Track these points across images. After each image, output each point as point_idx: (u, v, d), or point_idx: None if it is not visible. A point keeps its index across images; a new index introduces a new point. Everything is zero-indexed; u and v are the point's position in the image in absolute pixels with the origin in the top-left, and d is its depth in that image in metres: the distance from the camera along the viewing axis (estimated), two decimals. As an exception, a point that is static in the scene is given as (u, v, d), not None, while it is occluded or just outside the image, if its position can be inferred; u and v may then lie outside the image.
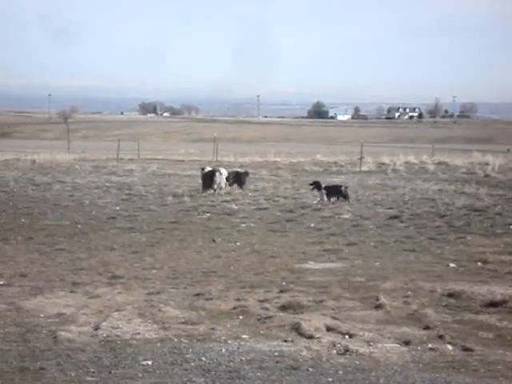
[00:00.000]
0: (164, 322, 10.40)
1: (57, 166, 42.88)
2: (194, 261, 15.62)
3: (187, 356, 8.92)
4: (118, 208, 24.59)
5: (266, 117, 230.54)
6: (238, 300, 11.71)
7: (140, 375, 8.25)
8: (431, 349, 9.16)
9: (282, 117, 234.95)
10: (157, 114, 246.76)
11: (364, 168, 42.76)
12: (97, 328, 10.05)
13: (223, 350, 9.12)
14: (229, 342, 9.51)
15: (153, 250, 16.82)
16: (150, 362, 8.65)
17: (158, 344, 9.39)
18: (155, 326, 10.23)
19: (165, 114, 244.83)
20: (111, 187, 31.19)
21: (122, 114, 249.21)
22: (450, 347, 9.20)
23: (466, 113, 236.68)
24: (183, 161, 49.85)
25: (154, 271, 14.28)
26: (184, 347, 9.25)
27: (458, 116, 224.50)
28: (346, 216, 23.01)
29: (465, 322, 10.58)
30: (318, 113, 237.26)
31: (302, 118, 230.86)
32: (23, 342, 9.46)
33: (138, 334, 9.83)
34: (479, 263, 15.26)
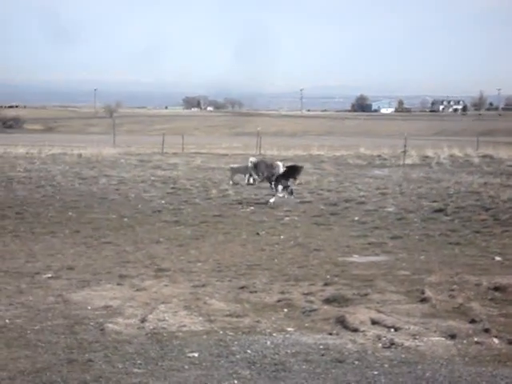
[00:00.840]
0: (209, 314, 10.47)
1: (103, 160, 43.27)
2: (238, 254, 15.69)
3: (233, 348, 8.97)
4: (163, 201, 24.77)
5: (309, 110, 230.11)
6: (282, 293, 11.74)
7: (186, 367, 8.31)
8: (477, 342, 9.11)
9: (325, 110, 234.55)
10: (201, 108, 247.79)
11: (408, 161, 42.51)
12: (143, 320, 10.15)
13: (268, 343, 9.16)
14: (274, 334, 9.55)
15: (198, 243, 16.93)
16: (196, 355, 8.71)
17: (204, 336, 9.46)
18: (201, 318, 10.29)
19: (208, 109, 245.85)
20: (156, 181, 31.41)
21: (166, 108, 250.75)
22: (496, 341, 9.14)
23: (511, 105, 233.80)
24: (227, 155, 49.97)
25: (199, 264, 14.37)
26: (229, 340, 9.31)
27: (502, 109, 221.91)
28: (390, 209, 22.92)
29: (511, 316, 10.49)
30: (361, 106, 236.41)
31: (345, 111, 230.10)
32: (71, 334, 9.58)
33: (184, 326, 9.90)
34: (526, 256, 15.12)
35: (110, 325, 9.91)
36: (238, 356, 8.70)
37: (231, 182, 29.39)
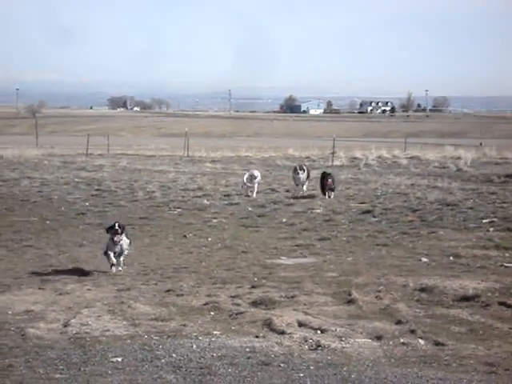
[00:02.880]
0: (134, 318, 10.27)
1: (25, 162, 42.57)
2: (164, 257, 15.50)
3: (158, 352, 8.81)
4: (87, 204, 24.40)
5: (237, 111, 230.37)
6: (209, 296, 11.60)
7: (110, 372, 8.13)
8: (403, 343, 9.12)
9: (254, 111, 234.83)
10: (127, 108, 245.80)
11: (336, 162, 42.82)
12: (66, 325, 9.91)
13: (194, 347, 9.02)
14: (200, 338, 9.41)
15: (123, 246, 16.66)
16: (119, 359, 8.53)
17: (128, 341, 9.27)
18: (125, 322, 10.10)
19: (135, 109, 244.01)
20: (80, 183, 30.99)
21: (91, 108, 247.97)
22: (421, 342, 9.17)
23: (438, 107, 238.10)
24: (154, 156, 49.62)
25: (124, 267, 14.12)
26: (154, 344, 9.14)
27: (430, 110, 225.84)
28: (318, 211, 22.97)
29: (437, 317, 10.55)
30: (290, 107, 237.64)
31: (274, 112, 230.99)
32: (-9, 340, 9.30)
33: (108, 330, 9.70)
34: (451, 257, 15.26)
35: (32, 330, 9.64)
36: (162, 360, 8.55)
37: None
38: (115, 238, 13.73)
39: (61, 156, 47.92)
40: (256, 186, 27.24)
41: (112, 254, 13.75)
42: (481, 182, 31.51)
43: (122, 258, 13.99)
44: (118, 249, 13.79)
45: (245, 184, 27.26)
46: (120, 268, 13.88)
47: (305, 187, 27.41)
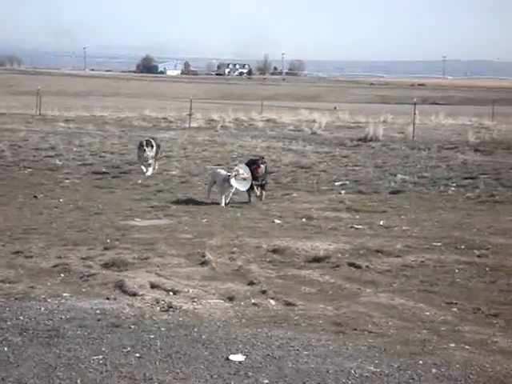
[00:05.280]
0: (-20, 281, 9.93)
1: None
2: (13, 218, 15.03)
3: (4, 315, 8.53)
4: None
5: (93, 70, 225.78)
6: (59, 258, 11.34)
7: (-48, 338, 7.82)
8: (254, 304, 9.19)
9: (110, 70, 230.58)
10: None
11: (193, 124, 42.64)
12: None
13: (42, 309, 8.79)
14: (48, 300, 9.18)
15: (-30, 207, 16.10)
16: (-37, 323, 8.22)
17: (-27, 304, 8.95)
18: (-30, 285, 9.75)
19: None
20: None
21: None
22: (272, 302, 9.27)
23: (294, 70, 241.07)
24: (4, 114, 48.01)
25: (-29, 228, 13.63)
26: (1, 306, 8.85)
27: (286, 73, 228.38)
28: (174, 172, 22.87)
29: (288, 278, 10.69)
30: (147, 67, 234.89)
31: (131, 72, 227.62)
32: None
33: (-49, 294, 9.33)
34: (304, 219, 15.51)
35: None
36: (9, 323, 8.29)
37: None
38: None
39: None
40: (151, 159, 22.92)
41: None
42: (334, 146, 32.15)
43: None
44: None
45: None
46: None
47: (151, 167, 22.74)
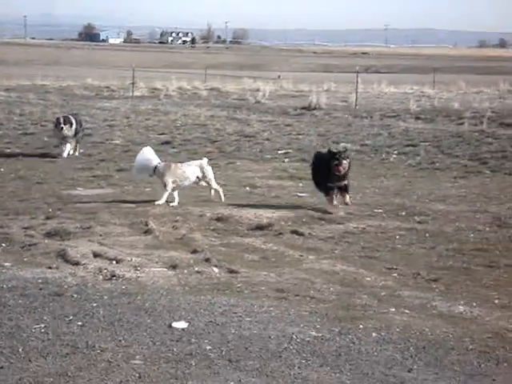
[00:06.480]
0: None
1: None
2: (-47, 188, 14.83)
3: None
4: None
5: (33, 38, 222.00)
6: (0, 227, 11.24)
7: None
8: (197, 272, 9.24)
9: (51, 39, 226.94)
10: None
11: (136, 93, 42.21)
12: None
13: (-17, 279, 8.73)
14: (-11, 270, 9.12)
15: None
16: None
17: None
18: None
19: None
20: None
21: None
22: (215, 270, 9.32)
23: (238, 39, 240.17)
24: None
25: None
26: None
27: (230, 42, 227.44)
28: (117, 141, 22.71)
29: (231, 245, 10.75)
30: (89, 35, 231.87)
31: (72, 40, 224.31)
32: None
33: None
34: (248, 188, 15.58)
35: None
36: (-51, 293, 8.22)
37: None
38: None
39: None
40: (71, 139, 20.04)
41: None
42: (278, 114, 32.16)
43: None
44: None
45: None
46: None
47: (68, 147, 19.76)
